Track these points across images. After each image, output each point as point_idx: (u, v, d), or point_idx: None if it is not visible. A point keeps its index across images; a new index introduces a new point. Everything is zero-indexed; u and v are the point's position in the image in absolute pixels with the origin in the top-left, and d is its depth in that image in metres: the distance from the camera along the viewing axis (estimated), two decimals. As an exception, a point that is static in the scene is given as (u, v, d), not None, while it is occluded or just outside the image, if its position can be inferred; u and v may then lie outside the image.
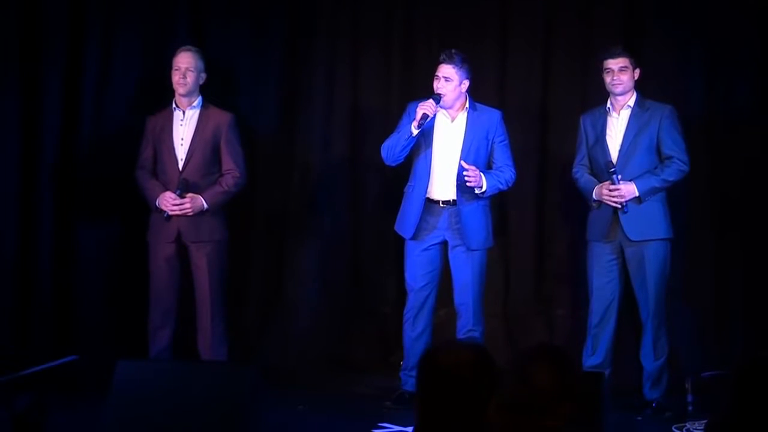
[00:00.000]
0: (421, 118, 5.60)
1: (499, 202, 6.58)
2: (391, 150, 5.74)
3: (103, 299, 6.36)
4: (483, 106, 5.87)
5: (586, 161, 5.82)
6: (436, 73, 5.71)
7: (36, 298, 6.26)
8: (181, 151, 5.91)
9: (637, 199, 5.60)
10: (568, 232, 6.48)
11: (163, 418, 4.15)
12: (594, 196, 5.69)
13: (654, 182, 5.62)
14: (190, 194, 5.83)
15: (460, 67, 5.70)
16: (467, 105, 5.79)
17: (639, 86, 5.87)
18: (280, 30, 6.70)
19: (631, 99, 5.73)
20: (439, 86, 5.70)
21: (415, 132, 5.64)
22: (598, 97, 6.04)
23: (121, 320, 6.29)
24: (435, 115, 5.71)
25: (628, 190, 5.59)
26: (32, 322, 6.25)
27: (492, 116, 5.83)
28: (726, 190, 6.30)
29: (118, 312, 6.31)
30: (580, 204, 5.97)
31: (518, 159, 6.58)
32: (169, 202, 5.80)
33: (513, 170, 5.81)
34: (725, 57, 6.31)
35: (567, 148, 6.22)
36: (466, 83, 5.74)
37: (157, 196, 5.84)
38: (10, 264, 6.19)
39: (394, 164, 5.83)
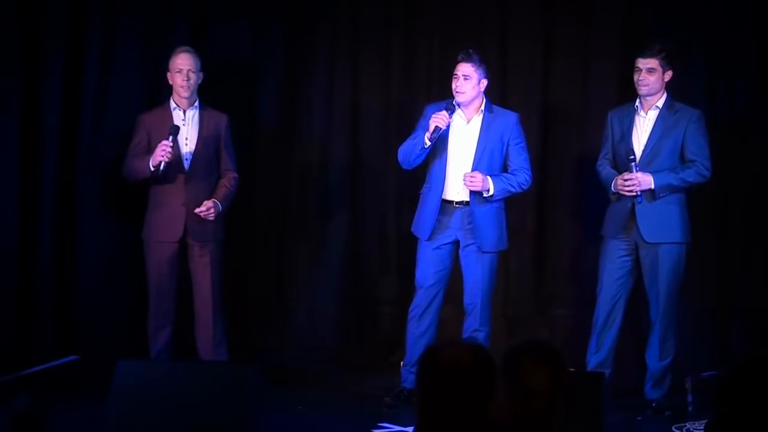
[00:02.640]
0: (434, 132, 5.62)
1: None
2: (407, 157, 5.79)
3: (103, 299, 6.35)
4: (499, 108, 5.87)
5: (610, 156, 5.80)
6: (455, 72, 5.72)
7: (36, 298, 6.26)
8: (186, 150, 5.90)
9: (651, 193, 5.58)
10: (569, 231, 6.48)
11: (163, 418, 4.15)
12: (612, 188, 5.67)
13: (672, 179, 5.60)
14: (212, 200, 5.81)
15: (479, 66, 5.72)
16: (483, 107, 5.80)
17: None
18: (280, 30, 6.70)
19: (660, 100, 5.69)
20: (458, 85, 5.70)
21: (428, 144, 5.68)
22: (599, 97, 6.04)
23: (121, 320, 6.28)
24: (449, 125, 5.72)
25: (645, 180, 5.56)
26: (33, 322, 6.24)
27: (508, 119, 5.82)
28: (727, 190, 6.30)
29: (118, 312, 6.31)
30: (581, 203, 5.97)
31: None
32: (166, 149, 5.69)
33: (529, 173, 5.81)
34: (725, 57, 6.30)
35: (568, 148, 6.22)
36: (485, 82, 5.75)
37: (148, 161, 5.78)
38: (11, 264, 6.18)
39: (409, 168, 5.87)
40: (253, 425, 4.12)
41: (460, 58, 5.73)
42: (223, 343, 5.93)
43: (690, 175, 5.63)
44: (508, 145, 5.79)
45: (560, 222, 6.56)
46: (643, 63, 5.64)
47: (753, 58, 6.26)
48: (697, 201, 6.29)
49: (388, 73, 6.69)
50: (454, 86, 5.71)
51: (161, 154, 5.72)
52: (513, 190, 5.77)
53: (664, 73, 5.65)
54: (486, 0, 6.64)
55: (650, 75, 5.63)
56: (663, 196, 5.60)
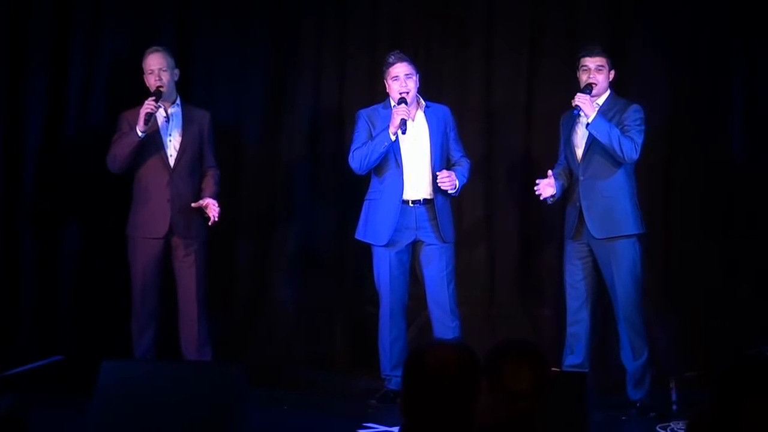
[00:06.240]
0: (401, 124, 5.60)
1: (485, 202, 6.59)
2: (367, 159, 5.73)
3: (87, 299, 6.34)
4: (430, 102, 5.88)
5: (562, 159, 5.81)
6: (395, 75, 5.69)
7: (20, 298, 6.24)
8: (171, 148, 5.89)
9: (588, 120, 5.48)
10: (554, 232, 6.48)
11: (148, 418, 4.15)
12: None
13: (611, 128, 5.46)
14: (210, 200, 5.80)
15: (411, 62, 5.75)
16: (422, 102, 5.82)
17: (625, 86, 5.87)
18: (265, 30, 6.70)
19: (602, 98, 5.63)
20: (403, 86, 5.68)
21: (394, 138, 5.65)
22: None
23: (105, 320, 6.27)
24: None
25: (591, 106, 5.47)
26: (17, 322, 6.23)
27: (445, 110, 5.88)
28: (711, 192, 6.31)
29: (102, 312, 6.29)
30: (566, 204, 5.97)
31: (504, 160, 6.59)
32: (151, 103, 5.68)
33: (469, 160, 5.87)
34: (713, 58, 6.31)
35: (552, 149, 6.22)
36: (418, 77, 5.77)
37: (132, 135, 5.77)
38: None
39: (365, 173, 5.84)
40: (238, 425, 4.12)
41: (392, 60, 5.71)
42: (208, 343, 5.92)
43: (623, 138, 5.48)
44: (448, 136, 5.82)
45: (546, 222, 6.56)
46: (591, 61, 5.58)
47: (741, 58, 6.27)
48: (681, 202, 6.32)
49: (373, 73, 6.68)
50: (398, 88, 5.66)
51: (147, 107, 5.69)
52: (465, 181, 5.80)
53: (609, 71, 5.62)
54: (472, 1, 6.64)
55: (599, 73, 5.57)
56: (594, 132, 5.47)
